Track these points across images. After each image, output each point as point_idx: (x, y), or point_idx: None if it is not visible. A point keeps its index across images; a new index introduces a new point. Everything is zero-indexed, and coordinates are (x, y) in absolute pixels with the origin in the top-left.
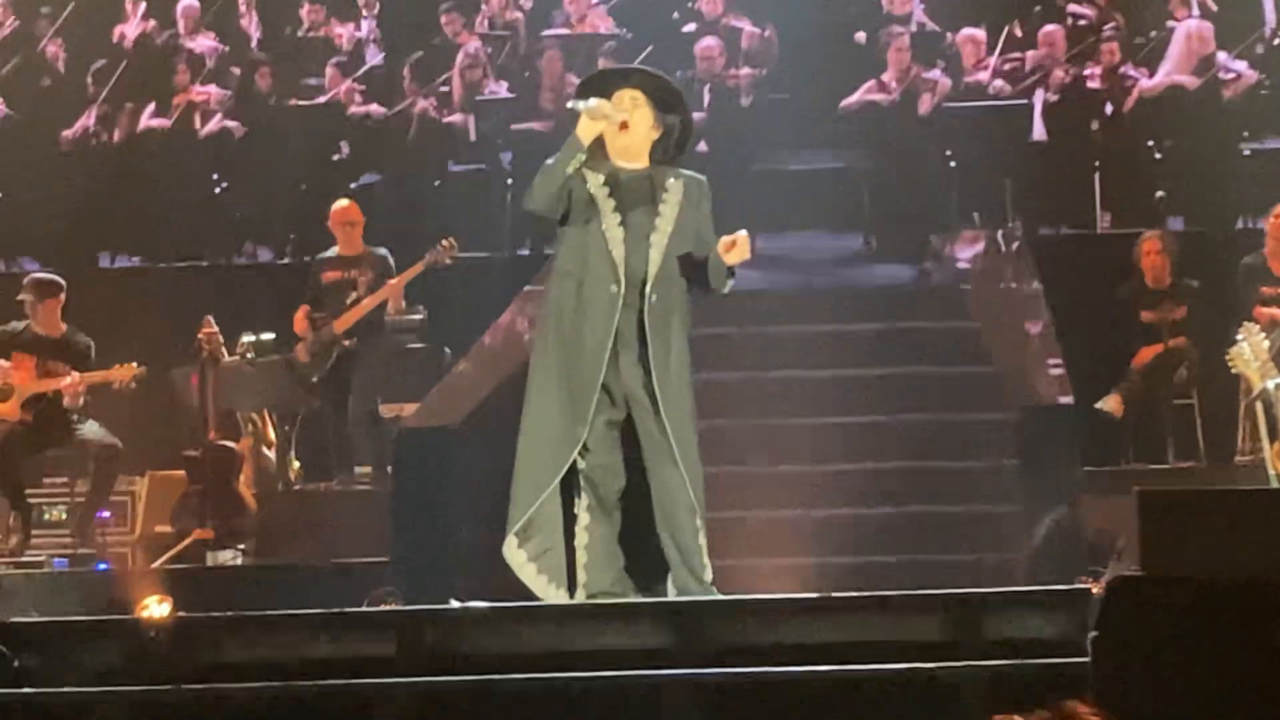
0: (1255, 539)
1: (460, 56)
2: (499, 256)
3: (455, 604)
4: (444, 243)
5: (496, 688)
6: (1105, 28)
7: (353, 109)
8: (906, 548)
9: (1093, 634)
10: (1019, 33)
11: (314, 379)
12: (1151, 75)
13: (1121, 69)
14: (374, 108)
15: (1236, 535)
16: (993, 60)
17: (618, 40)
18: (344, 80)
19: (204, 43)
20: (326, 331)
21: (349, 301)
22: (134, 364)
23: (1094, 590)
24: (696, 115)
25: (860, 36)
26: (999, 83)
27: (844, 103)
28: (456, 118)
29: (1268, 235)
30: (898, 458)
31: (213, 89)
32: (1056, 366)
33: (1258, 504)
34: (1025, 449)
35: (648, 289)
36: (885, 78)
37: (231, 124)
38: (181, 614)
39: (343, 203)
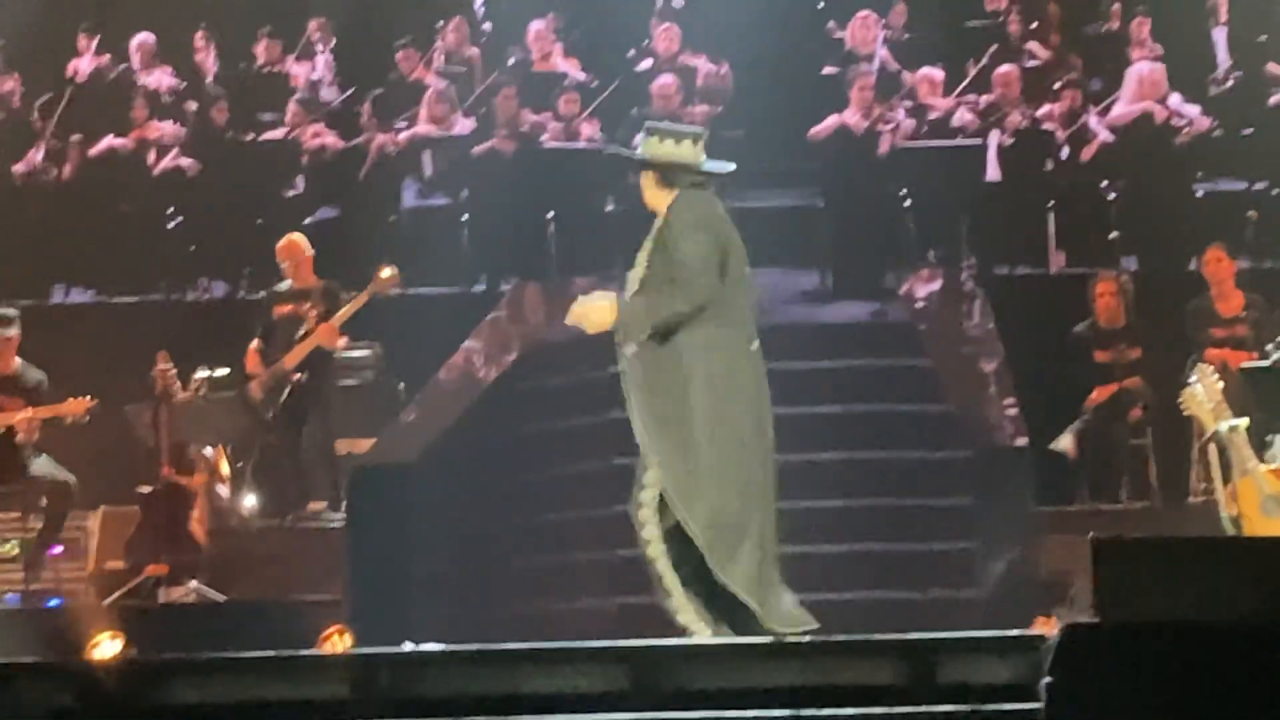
0: (1208, 586)
1: (430, 92)
2: (454, 292)
3: (409, 646)
4: (383, 273)
5: None
6: (1061, 70)
7: (309, 144)
8: (861, 584)
9: (1046, 680)
10: (975, 73)
11: (269, 415)
12: (1106, 116)
13: (1076, 110)
14: (330, 142)
15: (1189, 582)
16: (949, 100)
17: (577, 78)
18: (306, 116)
19: (160, 78)
20: (278, 367)
21: (298, 336)
22: (87, 398)
23: (1047, 632)
24: None
25: (824, 70)
26: (955, 122)
27: (813, 131)
28: (413, 153)
29: (1208, 278)
30: (853, 495)
31: (168, 125)
32: (1011, 406)
33: (1210, 551)
34: (980, 488)
35: (617, 338)
36: (847, 115)
37: (187, 159)
38: (134, 656)
39: (289, 237)
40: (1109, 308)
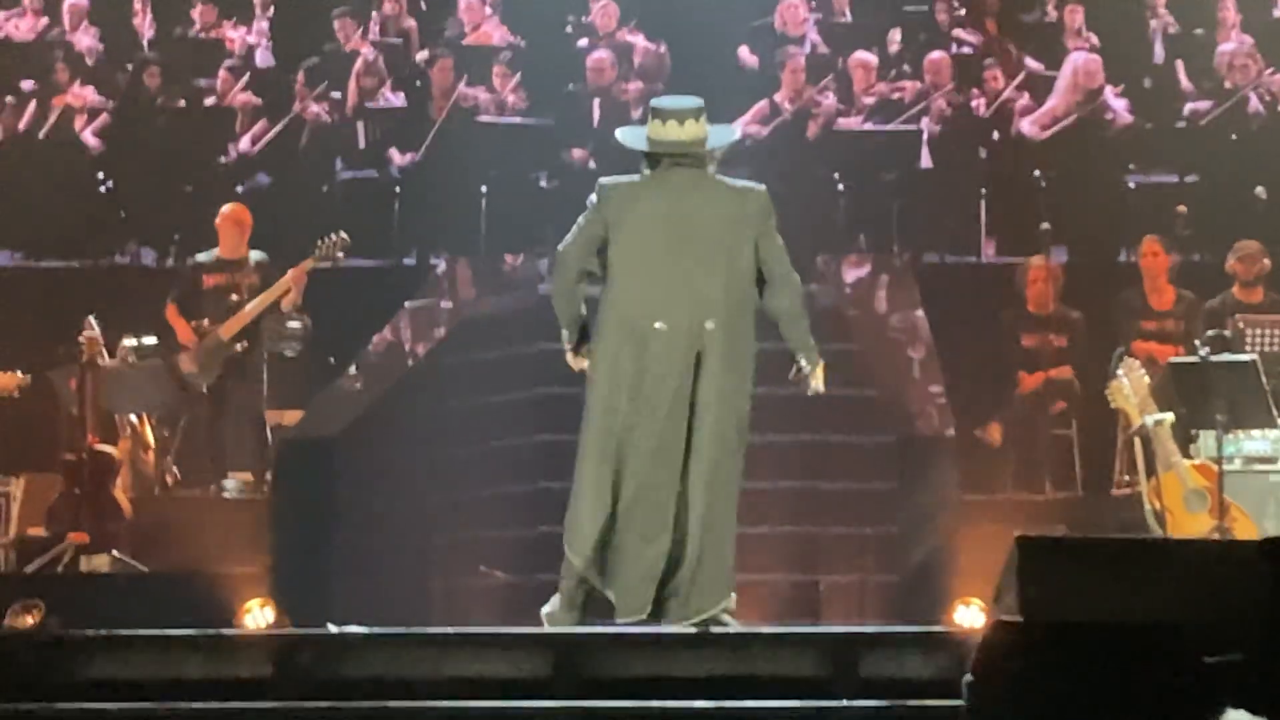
0: (1133, 586)
1: (359, 63)
2: (385, 265)
3: (332, 629)
4: (334, 237)
5: (373, 714)
6: (991, 57)
7: (243, 111)
8: (783, 567)
9: (968, 677)
10: (907, 58)
11: (204, 386)
12: (1040, 105)
13: (1009, 98)
14: (264, 110)
15: (1114, 582)
16: (883, 85)
17: (512, 51)
18: (235, 83)
19: (89, 41)
20: (212, 339)
21: (232, 303)
22: (16, 373)
23: (970, 625)
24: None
25: (753, 58)
26: (889, 108)
27: (744, 117)
28: (347, 124)
29: (1142, 270)
30: (776, 478)
31: (90, 90)
32: (938, 393)
33: (1136, 551)
34: (905, 473)
35: None
36: (778, 98)
37: (117, 123)
38: (53, 628)
39: (232, 206)
40: (1038, 293)
